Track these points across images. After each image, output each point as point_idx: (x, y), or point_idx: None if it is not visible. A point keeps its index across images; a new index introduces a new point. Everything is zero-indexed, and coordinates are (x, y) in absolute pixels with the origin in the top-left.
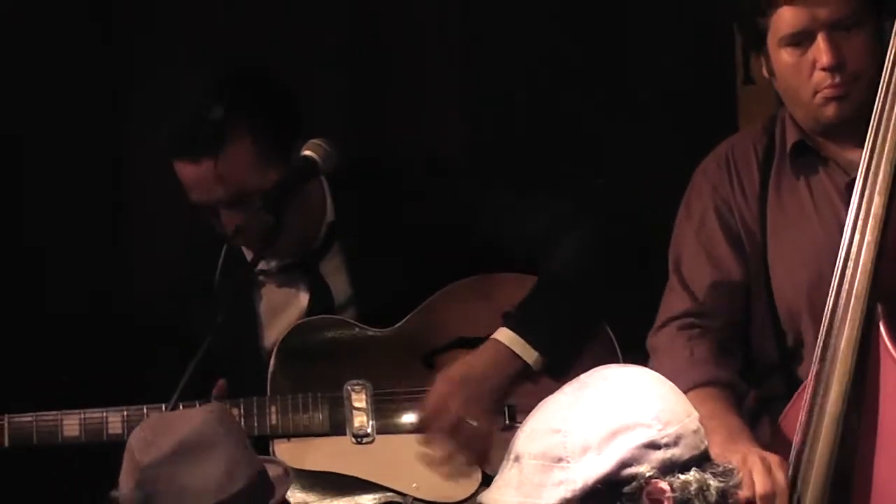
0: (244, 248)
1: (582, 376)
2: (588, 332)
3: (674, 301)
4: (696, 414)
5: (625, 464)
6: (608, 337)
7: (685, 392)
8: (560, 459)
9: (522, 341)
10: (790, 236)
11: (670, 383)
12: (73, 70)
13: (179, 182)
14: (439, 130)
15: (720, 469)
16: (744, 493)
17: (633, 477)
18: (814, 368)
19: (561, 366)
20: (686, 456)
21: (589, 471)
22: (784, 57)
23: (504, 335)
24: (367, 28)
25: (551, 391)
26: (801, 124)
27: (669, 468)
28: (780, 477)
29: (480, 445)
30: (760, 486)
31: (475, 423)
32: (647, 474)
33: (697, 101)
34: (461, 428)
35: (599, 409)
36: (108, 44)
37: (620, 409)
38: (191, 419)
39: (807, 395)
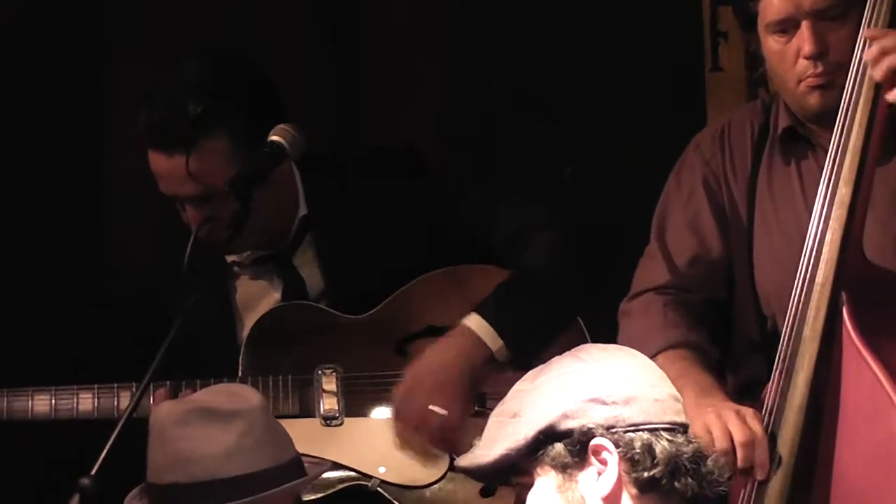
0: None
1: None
2: (558, 328)
3: (653, 271)
4: (666, 390)
5: (567, 416)
6: (582, 333)
7: (656, 353)
8: (515, 415)
9: (490, 328)
10: (777, 220)
11: (647, 359)
12: (53, 56)
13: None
14: (413, 123)
15: (681, 439)
16: (720, 445)
17: (578, 431)
18: (780, 356)
19: (525, 358)
20: (636, 419)
21: (534, 422)
22: (770, 43)
23: (473, 321)
24: (344, 17)
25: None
26: (791, 109)
27: (613, 425)
28: (757, 426)
29: (448, 434)
30: (738, 434)
31: (443, 412)
32: (589, 427)
33: (666, 89)
34: (429, 418)
35: (561, 372)
36: (87, 31)
37: (579, 370)
38: (222, 390)
39: (773, 382)
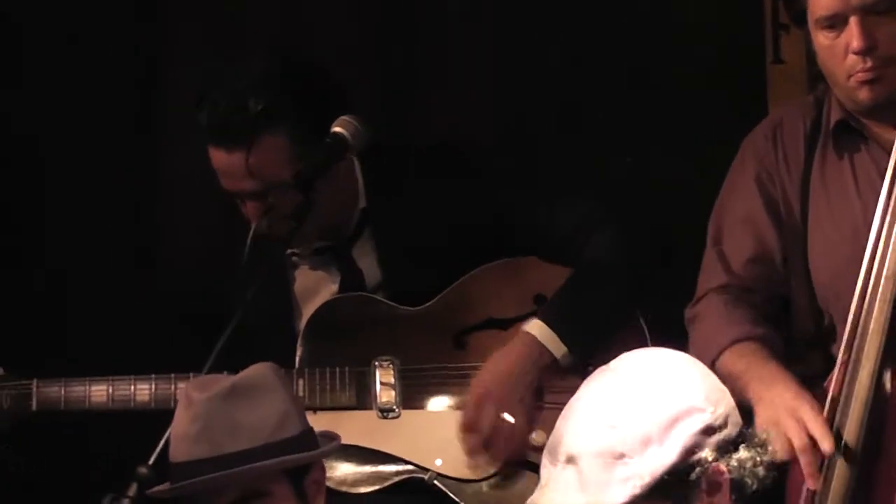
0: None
1: (612, 363)
2: (618, 327)
3: (713, 275)
4: (727, 389)
5: (688, 451)
6: (640, 328)
7: (724, 349)
8: (622, 455)
9: (554, 336)
10: (830, 214)
11: (700, 363)
12: (108, 47)
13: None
14: (470, 118)
15: (758, 440)
16: (781, 455)
17: (698, 463)
18: (844, 348)
19: (587, 359)
20: (734, 433)
21: (654, 463)
22: (820, 39)
23: (536, 327)
24: (400, 12)
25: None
26: (842, 103)
27: (725, 449)
28: (815, 426)
29: (516, 440)
30: (797, 441)
31: (512, 421)
32: (710, 459)
33: (727, 82)
34: (500, 427)
35: (650, 399)
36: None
37: (671, 395)
38: (244, 370)
39: (836, 374)
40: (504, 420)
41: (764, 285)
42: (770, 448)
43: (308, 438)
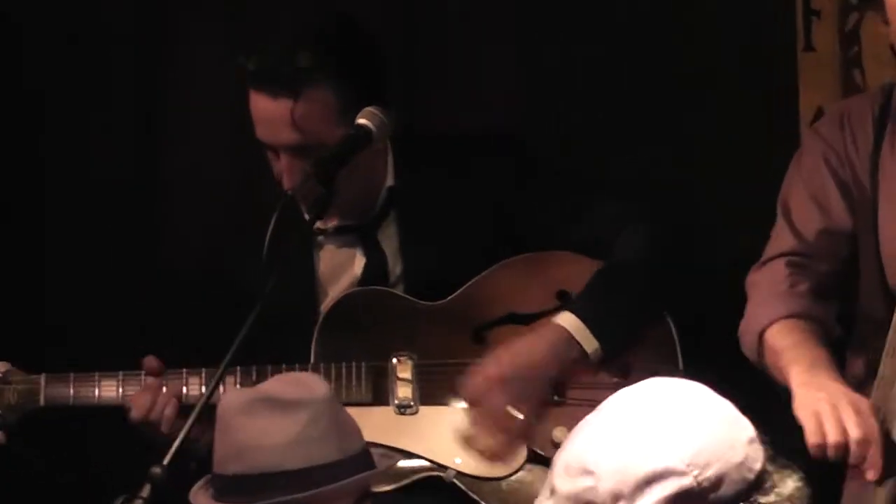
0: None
1: (621, 394)
2: (648, 325)
3: (782, 240)
4: (744, 436)
5: (649, 480)
6: (668, 327)
7: (776, 319)
8: (590, 473)
9: (586, 329)
10: None
11: (718, 401)
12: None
13: (249, 114)
14: (501, 106)
15: (768, 486)
16: (833, 438)
17: None
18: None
19: (615, 358)
20: (731, 493)
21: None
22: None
23: (567, 319)
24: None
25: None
26: None
27: None
28: (872, 421)
29: (523, 435)
30: (854, 430)
31: (520, 416)
32: None
33: (758, 70)
34: (506, 418)
35: (632, 451)
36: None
37: (653, 451)
38: (290, 379)
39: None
40: (509, 414)
41: (831, 257)
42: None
43: (358, 461)
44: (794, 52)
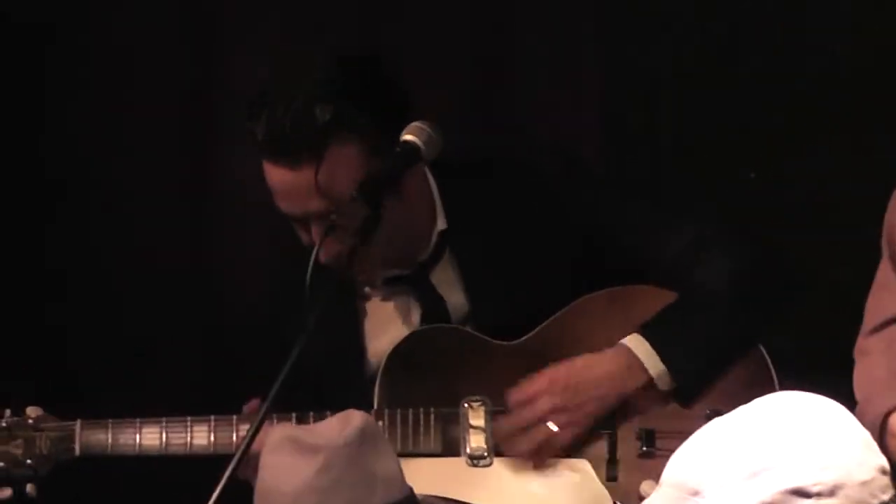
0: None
1: (742, 410)
2: (734, 358)
3: (891, 300)
4: (872, 463)
5: None
6: (765, 364)
7: None
8: (695, 493)
9: (651, 350)
10: None
11: (852, 421)
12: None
13: (267, 186)
14: (568, 127)
15: None
16: None
17: None
18: None
19: (693, 392)
20: None
21: None
22: None
23: (632, 340)
24: (492, 10)
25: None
26: None
27: None
28: None
29: (552, 450)
30: None
31: (555, 429)
32: None
33: (884, 82)
34: (539, 428)
35: (749, 440)
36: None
37: (770, 442)
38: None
39: None
40: (546, 427)
41: None
42: None
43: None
44: None
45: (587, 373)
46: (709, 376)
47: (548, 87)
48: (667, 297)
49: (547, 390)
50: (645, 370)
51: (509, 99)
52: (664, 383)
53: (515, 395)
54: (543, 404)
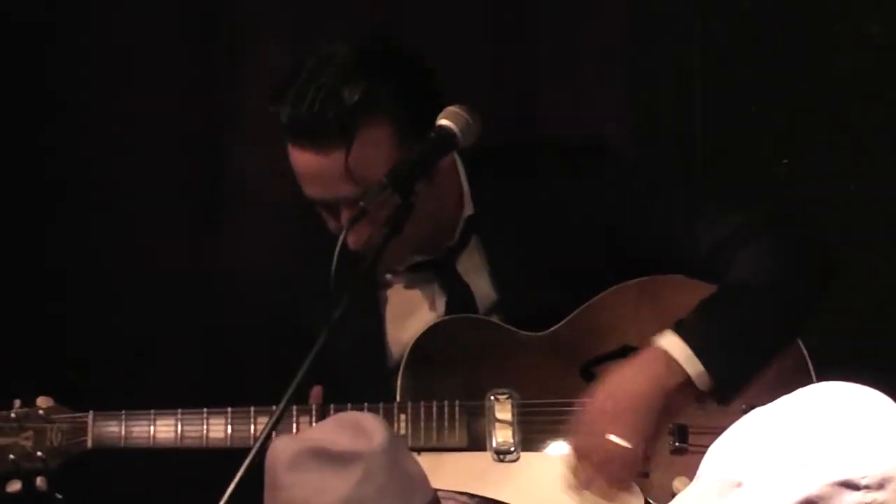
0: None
1: (783, 400)
2: (773, 354)
3: None
4: None
5: (811, 501)
6: (802, 358)
7: None
8: (738, 484)
9: (689, 350)
10: None
11: (890, 405)
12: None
13: (292, 172)
14: (598, 117)
15: None
16: None
17: None
18: None
19: (733, 392)
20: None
21: (769, 502)
22: None
23: (668, 340)
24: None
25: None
26: None
27: None
28: None
29: (630, 469)
30: None
31: (624, 444)
32: None
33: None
34: (609, 451)
35: (794, 430)
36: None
37: (817, 432)
38: (346, 423)
39: None
40: (613, 442)
41: None
42: None
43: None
44: None
45: (626, 384)
46: (750, 376)
47: (571, 87)
48: (699, 287)
49: (597, 414)
50: (684, 372)
51: (529, 100)
52: (703, 384)
53: (574, 438)
54: (599, 429)
